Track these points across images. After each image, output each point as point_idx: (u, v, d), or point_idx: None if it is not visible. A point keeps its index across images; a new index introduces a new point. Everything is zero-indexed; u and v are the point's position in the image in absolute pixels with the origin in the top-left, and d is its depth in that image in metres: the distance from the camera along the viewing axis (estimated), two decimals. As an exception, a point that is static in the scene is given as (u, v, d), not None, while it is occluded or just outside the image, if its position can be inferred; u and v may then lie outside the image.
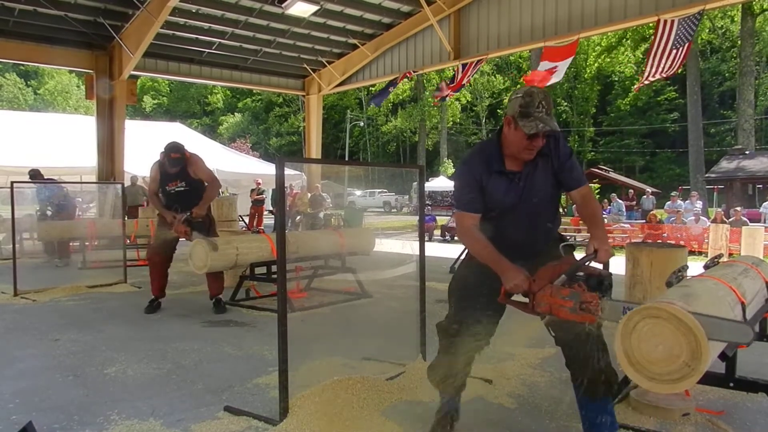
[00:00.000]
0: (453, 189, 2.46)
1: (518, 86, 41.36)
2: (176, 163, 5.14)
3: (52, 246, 9.03)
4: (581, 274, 2.05)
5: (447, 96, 13.31)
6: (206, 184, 5.38)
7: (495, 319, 2.39)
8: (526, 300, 2.16)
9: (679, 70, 9.51)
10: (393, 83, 13.90)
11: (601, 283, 2.02)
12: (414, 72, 13.82)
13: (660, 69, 9.13)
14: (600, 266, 2.17)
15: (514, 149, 2.26)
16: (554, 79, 10.64)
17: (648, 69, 9.26)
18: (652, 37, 9.30)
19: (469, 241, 2.36)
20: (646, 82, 9.58)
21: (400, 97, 42.25)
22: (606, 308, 1.97)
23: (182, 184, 5.26)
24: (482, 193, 2.32)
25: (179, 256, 5.69)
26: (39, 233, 8.82)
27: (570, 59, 10.41)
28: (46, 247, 9.07)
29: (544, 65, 10.66)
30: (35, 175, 9.06)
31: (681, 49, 8.90)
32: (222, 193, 15.36)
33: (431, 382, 2.53)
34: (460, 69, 12.27)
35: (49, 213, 9.21)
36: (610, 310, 1.97)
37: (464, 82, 12.33)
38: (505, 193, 2.32)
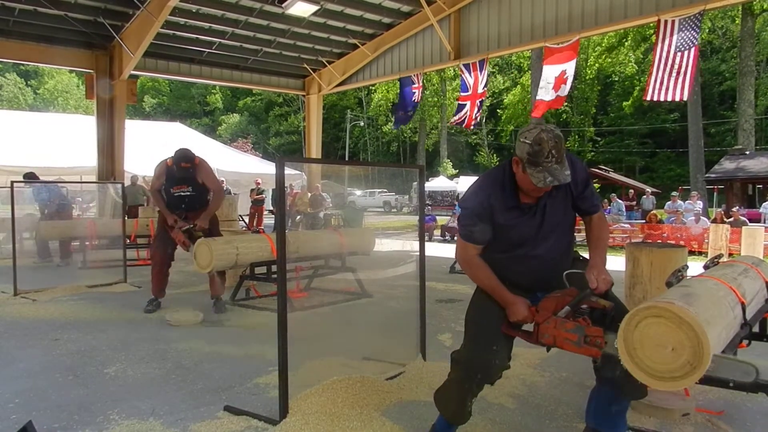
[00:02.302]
0: (460, 213, 2.35)
1: (518, 86, 41.39)
2: (186, 171, 5.15)
3: (46, 247, 9.01)
4: (585, 306, 2.06)
5: (476, 119, 12.53)
6: (211, 193, 5.38)
7: (510, 347, 2.30)
8: (530, 330, 2.16)
9: (684, 98, 9.16)
10: (412, 104, 13.70)
11: (605, 316, 2.04)
12: (419, 80, 13.64)
13: (669, 83, 8.95)
14: (606, 283, 2.17)
15: (523, 188, 2.20)
16: (564, 90, 10.49)
17: (653, 78, 9.09)
18: (654, 43, 9.17)
19: (471, 270, 2.32)
20: (654, 99, 9.20)
21: (400, 97, 42.19)
22: (610, 342, 1.97)
23: (189, 189, 5.25)
24: (491, 223, 2.24)
25: (179, 256, 5.68)
26: (38, 233, 8.81)
27: (574, 61, 10.35)
28: (41, 249, 9.03)
29: (549, 73, 10.53)
30: (31, 178, 9.03)
31: (687, 52, 8.77)
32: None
33: (441, 412, 2.40)
34: (465, 71, 12.21)
35: (46, 211, 9.16)
36: (614, 344, 1.97)
37: (481, 89, 12.06)
38: (521, 227, 2.24)
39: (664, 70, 8.99)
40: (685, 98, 9.17)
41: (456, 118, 12.63)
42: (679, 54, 8.83)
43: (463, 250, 2.33)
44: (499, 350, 2.23)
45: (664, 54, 8.96)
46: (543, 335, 2.09)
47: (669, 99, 9.15)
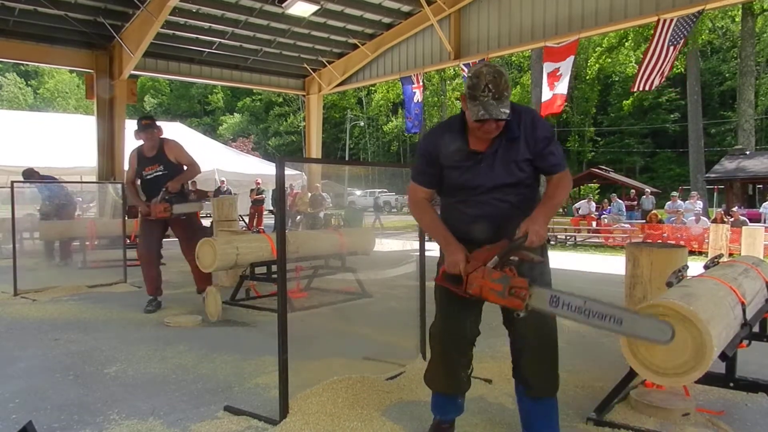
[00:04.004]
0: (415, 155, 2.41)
1: (518, 85, 41.42)
2: (147, 129, 5.05)
3: (51, 247, 9.01)
4: (514, 258, 2.03)
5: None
6: (185, 167, 5.28)
7: (478, 314, 2.32)
8: (460, 281, 2.14)
9: (673, 70, 9.54)
10: (416, 105, 13.66)
11: (532, 269, 2.02)
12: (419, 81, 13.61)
13: (654, 73, 9.13)
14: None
15: (471, 128, 2.12)
16: (561, 88, 10.52)
17: (642, 70, 9.27)
18: (650, 38, 9.34)
19: (418, 213, 2.32)
20: (640, 89, 9.55)
21: (401, 97, 42.27)
22: (534, 295, 1.97)
23: (160, 168, 5.13)
24: (436, 166, 2.23)
25: (179, 255, 5.68)
26: (40, 233, 8.83)
27: (571, 58, 10.39)
28: (47, 248, 9.05)
29: (545, 72, 10.63)
30: (30, 175, 8.98)
31: (676, 47, 8.92)
32: (220, 185, 15.45)
33: (433, 389, 2.43)
34: (466, 71, 12.21)
35: (46, 203, 9.13)
36: (538, 297, 1.97)
37: None
38: (464, 171, 2.19)
39: (651, 62, 9.15)
40: (659, 84, 9.52)
41: (423, 137, 12.65)
42: (671, 47, 8.95)
43: (412, 191, 2.34)
44: (468, 316, 2.26)
45: (657, 48, 9.07)
46: (470, 285, 2.07)
47: (652, 88, 9.46)
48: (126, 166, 5.63)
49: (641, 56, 9.88)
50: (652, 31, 9.33)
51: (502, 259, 2.02)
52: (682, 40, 8.96)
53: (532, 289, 1.96)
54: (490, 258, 2.04)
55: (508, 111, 2.01)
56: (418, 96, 13.66)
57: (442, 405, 2.45)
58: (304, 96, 17.66)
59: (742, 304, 2.42)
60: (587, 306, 1.90)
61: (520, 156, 2.15)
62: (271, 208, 16.37)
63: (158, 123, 5.42)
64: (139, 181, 5.34)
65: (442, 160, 2.21)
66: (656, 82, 9.28)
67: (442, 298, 2.33)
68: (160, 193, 5.07)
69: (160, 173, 5.14)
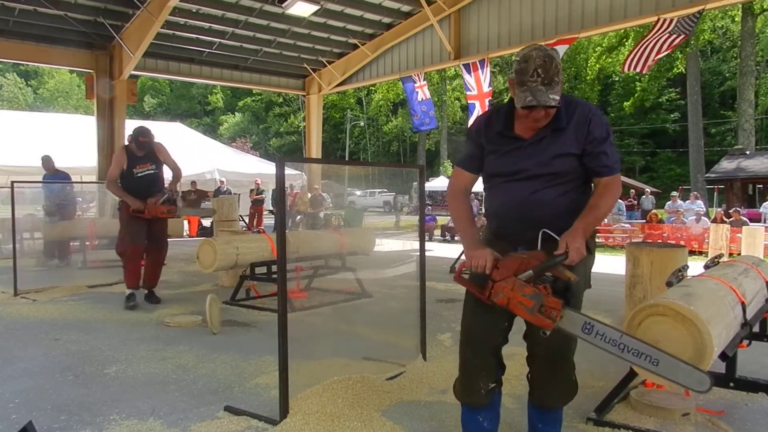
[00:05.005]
0: None
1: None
2: (145, 146, 5.26)
3: (52, 247, 9.00)
4: (549, 274, 1.92)
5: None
6: (172, 170, 5.56)
7: (504, 320, 2.16)
8: (483, 284, 2.02)
9: (673, 70, 9.54)
10: (425, 103, 13.61)
11: (568, 289, 1.91)
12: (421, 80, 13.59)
13: (647, 56, 9.13)
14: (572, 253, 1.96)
15: (519, 115, 2.03)
16: None
17: (634, 53, 9.26)
18: (648, 30, 9.33)
19: (452, 202, 2.26)
20: (630, 70, 9.52)
21: (401, 97, 42.27)
22: (566, 317, 1.88)
23: (153, 167, 5.36)
24: (480, 149, 2.18)
25: (179, 255, 5.68)
26: (43, 234, 8.84)
27: (565, 46, 10.36)
28: (46, 249, 9.03)
29: None
30: (46, 161, 9.05)
31: (676, 36, 8.91)
32: (220, 186, 15.49)
33: (456, 397, 2.30)
34: (464, 71, 12.19)
35: (48, 202, 9.16)
36: (570, 321, 1.88)
37: (486, 89, 11.96)
38: (502, 156, 2.12)
39: (646, 49, 9.17)
40: (645, 71, 9.59)
41: (472, 121, 12.60)
42: (666, 34, 8.93)
43: (453, 176, 2.32)
44: (491, 320, 2.13)
45: (653, 42, 9.08)
46: (497, 294, 1.95)
47: (645, 70, 9.48)
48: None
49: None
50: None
51: (537, 275, 1.92)
52: (682, 36, 8.94)
53: (564, 311, 1.87)
54: (522, 269, 1.94)
55: (558, 98, 1.91)
56: (422, 94, 13.61)
57: (462, 414, 2.29)
58: (304, 96, 17.64)
59: (742, 304, 2.42)
60: (623, 340, 1.81)
61: (564, 149, 2.04)
62: (271, 208, 16.38)
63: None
64: (119, 180, 5.41)
65: (485, 142, 2.16)
66: (649, 63, 9.25)
67: (468, 295, 2.22)
68: (149, 191, 5.31)
69: (152, 172, 5.37)
